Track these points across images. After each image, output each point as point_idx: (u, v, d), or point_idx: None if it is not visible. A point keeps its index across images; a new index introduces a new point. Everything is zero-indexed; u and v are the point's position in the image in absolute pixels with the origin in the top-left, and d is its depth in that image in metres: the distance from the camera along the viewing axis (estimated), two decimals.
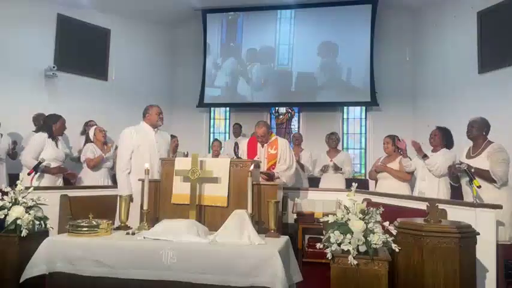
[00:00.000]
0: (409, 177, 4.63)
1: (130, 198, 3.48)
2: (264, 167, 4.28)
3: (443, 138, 4.40)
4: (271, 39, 8.46)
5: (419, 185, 4.44)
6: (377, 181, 4.98)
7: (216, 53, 8.69)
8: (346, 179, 5.70)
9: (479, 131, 3.87)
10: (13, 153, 5.42)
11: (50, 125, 4.71)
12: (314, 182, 6.04)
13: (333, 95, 8.11)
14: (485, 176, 3.64)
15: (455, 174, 3.95)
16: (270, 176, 4.14)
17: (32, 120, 5.60)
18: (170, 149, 5.51)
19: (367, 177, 7.68)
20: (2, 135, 5.35)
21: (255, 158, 4.25)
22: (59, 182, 4.75)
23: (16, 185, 3.15)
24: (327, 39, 8.17)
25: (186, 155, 6.02)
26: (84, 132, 5.57)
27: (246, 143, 4.67)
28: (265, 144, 4.44)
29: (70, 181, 5.11)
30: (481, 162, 3.74)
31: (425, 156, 4.33)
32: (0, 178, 5.06)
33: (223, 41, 8.69)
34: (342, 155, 5.86)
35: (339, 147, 6.28)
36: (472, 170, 3.61)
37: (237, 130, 7.62)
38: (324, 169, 5.71)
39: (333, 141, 5.88)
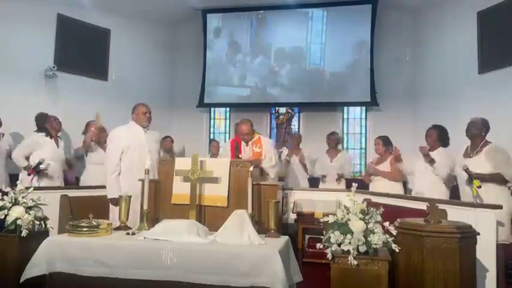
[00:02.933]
0: (400, 177, 4.69)
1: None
2: None
3: (439, 137, 4.37)
4: (270, 40, 8.47)
5: (417, 186, 4.42)
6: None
7: (218, 51, 8.68)
8: (346, 179, 5.71)
9: (478, 130, 3.87)
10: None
11: (43, 125, 4.77)
12: (313, 182, 6.03)
13: (333, 95, 8.11)
14: (497, 179, 3.63)
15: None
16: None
17: (34, 120, 5.59)
18: (161, 148, 5.47)
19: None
20: (3, 134, 5.37)
21: (240, 157, 4.28)
22: (59, 182, 4.76)
23: (16, 185, 3.15)
24: (327, 40, 8.17)
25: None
26: (86, 132, 5.57)
27: (229, 143, 4.69)
28: (250, 143, 4.46)
29: (69, 181, 5.14)
30: (479, 162, 3.72)
31: (432, 161, 4.26)
32: (0, 178, 5.06)
33: (224, 39, 8.71)
34: (341, 156, 5.85)
35: (339, 147, 6.28)
36: (485, 177, 3.60)
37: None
38: (323, 179, 5.75)
39: (333, 141, 5.87)
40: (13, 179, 4.67)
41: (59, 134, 4.97)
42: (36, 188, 3.44)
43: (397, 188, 4.65)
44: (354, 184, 2.75)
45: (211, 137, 8.94)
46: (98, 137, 5.09)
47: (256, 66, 8.46)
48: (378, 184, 4.77)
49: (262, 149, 4.42)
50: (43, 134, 4.75)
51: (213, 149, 6.73)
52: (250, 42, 8.53)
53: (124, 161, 3.85)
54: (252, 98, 8.44)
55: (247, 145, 4.47)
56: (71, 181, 5.42)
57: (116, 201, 3.72)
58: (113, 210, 3.78)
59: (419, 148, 4.41)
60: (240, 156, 4.35)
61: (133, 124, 4.00)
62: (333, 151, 5.84)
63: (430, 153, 4.35)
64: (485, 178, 3.59)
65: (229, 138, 8.44)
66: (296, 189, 4.96)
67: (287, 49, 8.36)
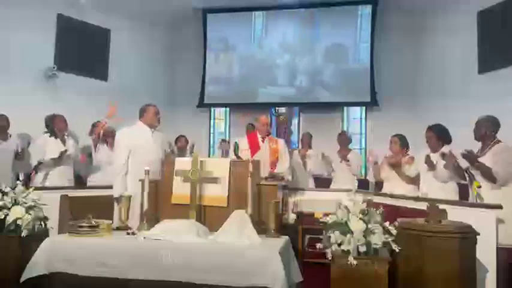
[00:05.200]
0: (411, 180, 4.54)
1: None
2: (267, 161, 4.32)
3: (439, 138, 4.25)
4: (270, 41, 8.51)
5: (423, 187, 4.37)
6: (382, 182, 4.92)
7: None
8: (357, 180, 5.70)
9: (486, 130, 3.75)
10: (19, 155, 5.41)
11: (50, 125, 4.80)
12: (323, 183, 6.02)
13: (333, 95, 8.12)
14: (487, 172, 3.54)
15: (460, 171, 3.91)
16: (275, 178, 4.18)
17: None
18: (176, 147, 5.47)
19: (367, 177, 7.70)
20: (11, 135, 5.38)
21: (258, 153, 4.30)
22: (68, 182, 4.77)
23: (16, 185, 3.16)
24: (327, 40, 8.18)
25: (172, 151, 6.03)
26: (92, 133, 5.58)
27: (245, 139, 4.69)
28: (266, 139, 4.52)
29: (82, 178, 5.20)
30: (485, 161, 3.65)
31: (432, 166, 4.16)
32: (7, 178, 5.07)
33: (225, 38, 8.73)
34: (352, 154, 5.88)
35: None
36: (476, 164, 3.58)
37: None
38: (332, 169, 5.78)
39: (344, 141, 5.92)
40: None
41: (66, 133, 4.97)
42: (36, 188, 3.44)
43: (412, 188, 4.48)
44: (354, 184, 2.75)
45: (212, 137, 8.95)
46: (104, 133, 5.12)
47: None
48: (392, 183, 4.65)
49: (277, 146, 4.53)
50: (47, 135, 4.78)
51: (224, 149, 6.71)
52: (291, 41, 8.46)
53: (132, 161, 3.89)
54: (297, 98, 8.33)
55: (263, 141, 4.54)
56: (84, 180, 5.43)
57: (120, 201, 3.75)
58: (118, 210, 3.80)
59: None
60: (239, 155, 4.34)
61: (141, 125, 4.06)
62: (344, 150, 5.86)
63: (432, 154, 4.24)
64: (479, 167, 3.57)
65: (229, 137, 8.45)
66: (297, 189, 4.96)
67: (327, 48, 8.25)
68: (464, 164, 3.83)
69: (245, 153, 4.42)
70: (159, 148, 4.08)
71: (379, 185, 5.13)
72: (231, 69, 8.64)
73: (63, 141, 4.86)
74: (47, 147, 4.71)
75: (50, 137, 4.79)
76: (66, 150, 4.64)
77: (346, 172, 5.66)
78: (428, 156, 4.22)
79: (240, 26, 8.63)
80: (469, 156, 3.65)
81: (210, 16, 8.70)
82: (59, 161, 4.62)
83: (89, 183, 5.14)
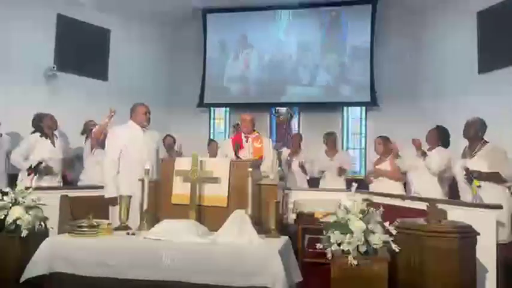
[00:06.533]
0: (400, 175, 4.77)
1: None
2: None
3: (440, 137, 4.44)
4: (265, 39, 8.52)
5: (414, 186, 4.49)
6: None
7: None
8: (346, 179, 5.74)
9: (477, 131, 3.84)
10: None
11: (39, 124, 4.75)
12: (313, 182, 6.04)
13: (333, 95, 8.11)
14: (494, 178, 3.58)
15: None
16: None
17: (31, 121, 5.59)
18: (160, 147, 5.45)
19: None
20: (1, 134, 5.35)
21: (241, 153, 4.34)
22: (57, 182, 4.74)
23: (16, 185, 3.15)
24: (327, 39, 8.18)
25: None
26: (85, 132, 5.57)
27: (230, 141, 4.75)
28: (250, 139, 4.52)
29: (68, 180, 5.12)
30: (478, 162, 3.70)
31: (424, 154, 4.39)
32: (0, 178, 5.05)
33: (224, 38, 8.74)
34: (340, 155, 5.92)
35: (338, 146, 6.31)
36: (483, 175, 3.59)
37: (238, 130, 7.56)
38: (321, 174, 5.80)
39: (331, 141, 5.94)
40: (13, 179, 4.67)
41: (55, 132, 4.94)
42: (36, 188, 3.44)
43: (397, 188, 4.69)
44: (353, 184, 2.75)
45: (212, 137, 8.94)
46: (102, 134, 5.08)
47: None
48: (379, 184, 4.80)
49: (262, 145, 4.49)
50: (38, 134, 4.73)
51: (212, 149, 6.72)
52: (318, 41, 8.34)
53: (123, 161, 3.87)
54: (322, 98, 8.21)
55: (247, 140, 4.51)
56: (71, 180, 5.40)
57: (113, 201, 3.73)
58: (113, 210, 3.78)
59: (412, 141, 4.49)
60: (239, 155, 4.36)
61: (132, 124, 4.04)
62: (332, 150, 5.90)
63: (428, 152, 4.43)
64: (482, 176, 3.58)
65: (229, 137, 8.45)
66: (296, 189, 4.97)
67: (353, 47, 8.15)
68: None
69: (230, 154, 4.46)
70: (152, 147, 4.05)
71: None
72: (231, 69, 8.63)
73: (53, 142, 4.81)
74: (34, 147, 4.63)
75: (40, 137, 4.73)
76: (40, 162, 4.50)
77: (334, 170, 5.71)
78: (416, 140, 4.47)
79: (240, 26, 8.63)
80: (469, 173, 3.69)
81: (210, 16, 8.70)
82: (33, 170, 4.47)
83: (80, 183, 5.09)
